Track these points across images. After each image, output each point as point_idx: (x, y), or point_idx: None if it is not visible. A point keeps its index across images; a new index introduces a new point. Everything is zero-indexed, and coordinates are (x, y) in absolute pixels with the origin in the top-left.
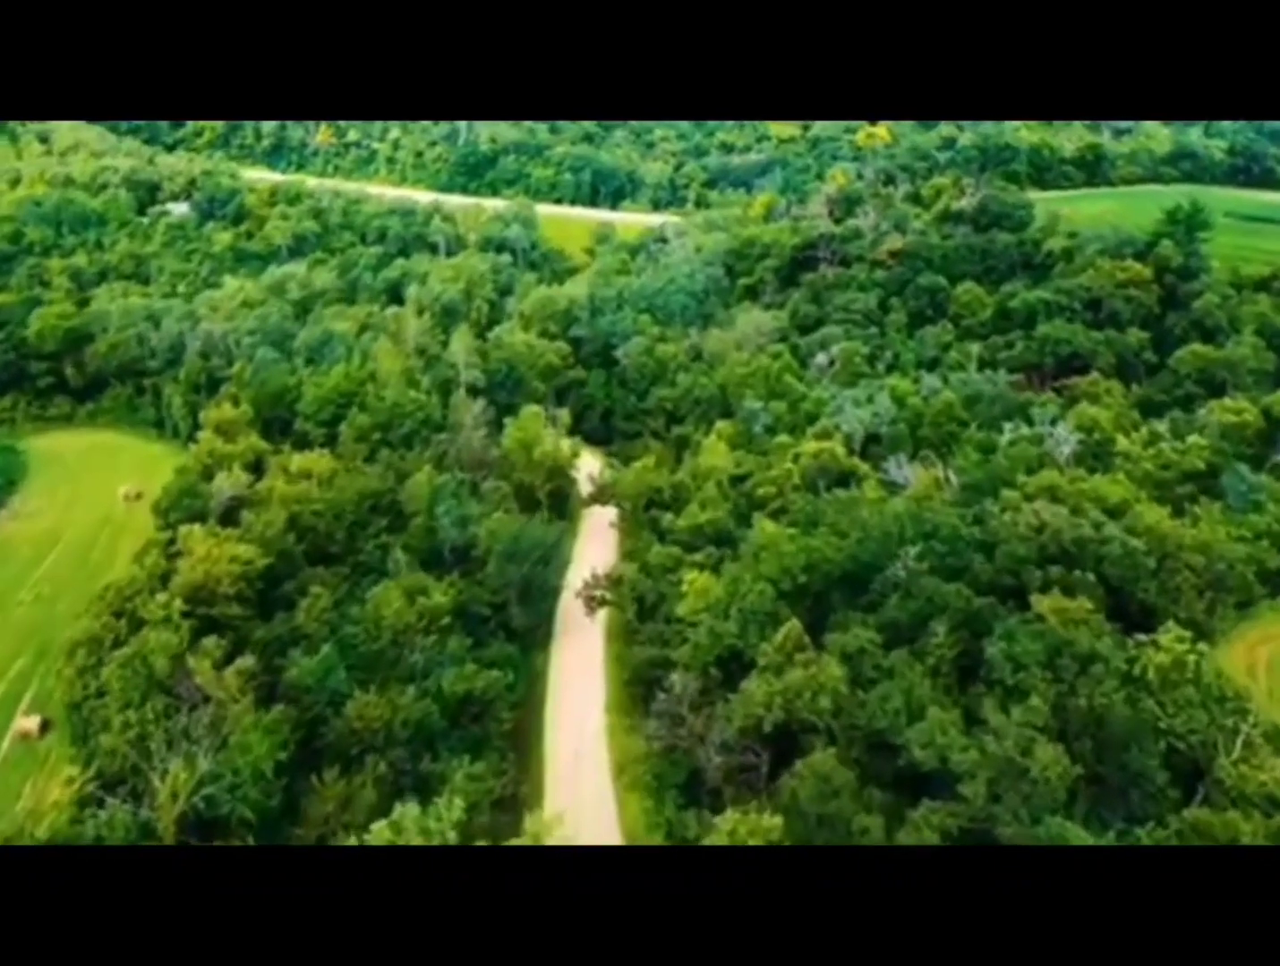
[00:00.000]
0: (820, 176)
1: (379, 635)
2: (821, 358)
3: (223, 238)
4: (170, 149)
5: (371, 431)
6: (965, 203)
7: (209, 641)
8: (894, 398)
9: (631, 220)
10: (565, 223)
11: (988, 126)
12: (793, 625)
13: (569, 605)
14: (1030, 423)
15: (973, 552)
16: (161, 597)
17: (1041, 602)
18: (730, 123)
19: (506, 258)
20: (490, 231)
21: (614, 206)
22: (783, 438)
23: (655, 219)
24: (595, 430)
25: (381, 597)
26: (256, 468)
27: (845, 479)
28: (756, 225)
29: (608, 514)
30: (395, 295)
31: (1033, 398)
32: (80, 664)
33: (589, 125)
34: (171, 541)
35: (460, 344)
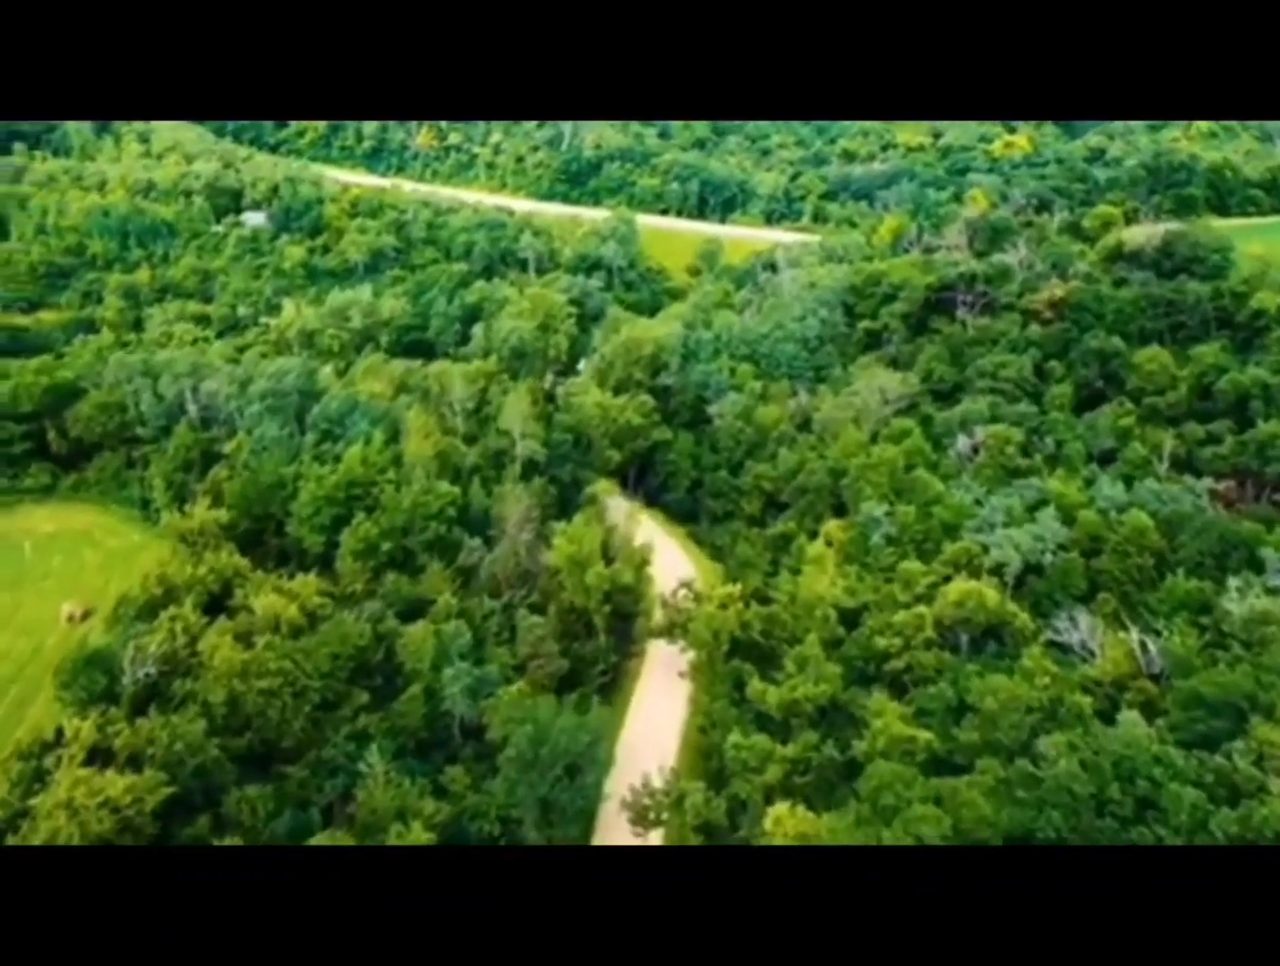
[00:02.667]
0: (952, 192)
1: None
2: (962, 442)
3: (295, 252)
4: (274, 149)
5: (378, 543)
6: (1144, 240)
7: None
8: (1060, 508)
9: (741, 235)
10: (669, 236)
11: (1140, 135)
12: None
13: (610, 815)
14: (1259, 568)
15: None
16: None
17: None
18: (853, 129)
19: (597, 282)
20: (585, 248)
21: (723, 219)
22: (911, 563)
23: (767, 235)
24: (679, 504)
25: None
26: (217, 603)
27: (997, 632)
28: (882, 256)
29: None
30: (470, 322)
31: (1260, 532)
32: None
33: (700, 130)
34: (57, 738)
35: (517, 409)
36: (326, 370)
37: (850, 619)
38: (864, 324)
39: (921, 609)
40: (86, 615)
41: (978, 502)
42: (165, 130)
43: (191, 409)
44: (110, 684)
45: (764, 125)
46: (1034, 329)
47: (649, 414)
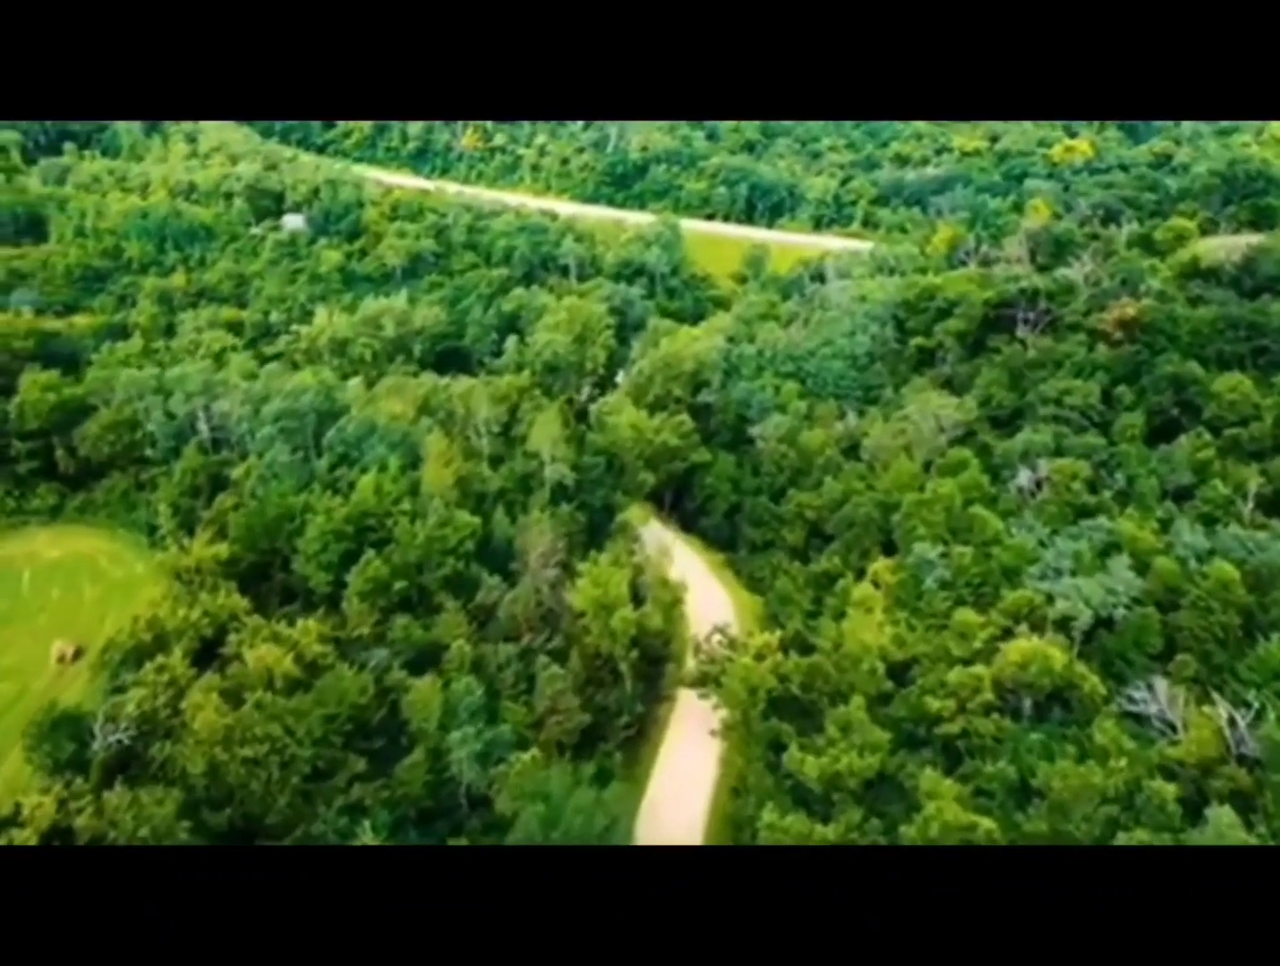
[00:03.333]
0: (1012, 202)
1: None
2: (1024, 476)
3: (332, 257)
4: (320, 150)
5: (389, 582)
6: (1223, 255)
7: None
8: (1133, 554)
9: (789, 241)
10: (715, 242)
11: (1209, 140)
12: None
13: None
14: None
15: None
16: None
17: None
18: (906, 132)
19: (639, 290)
20: (628, 253)
21: (771, 223)
22: (967, 612)
23: (816, 241)
24: (717, 530)
25: None
26: (211, 648)
27: (1063, 697)
28: (937, 267)
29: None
30: (507, 331)
31: None
32: None
33: (749, 132)
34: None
35: (547, 431)
36: (350, 385)
37: (899, 673)
38: (916, 341)
39: (979, 669)
40: (78, 655)
41: (1041, 544)
42: (212, 131)
43: (203, 429)
44: (80, 749)
45: (814, 128)
46: (1102, 351)
47: (687, 434)
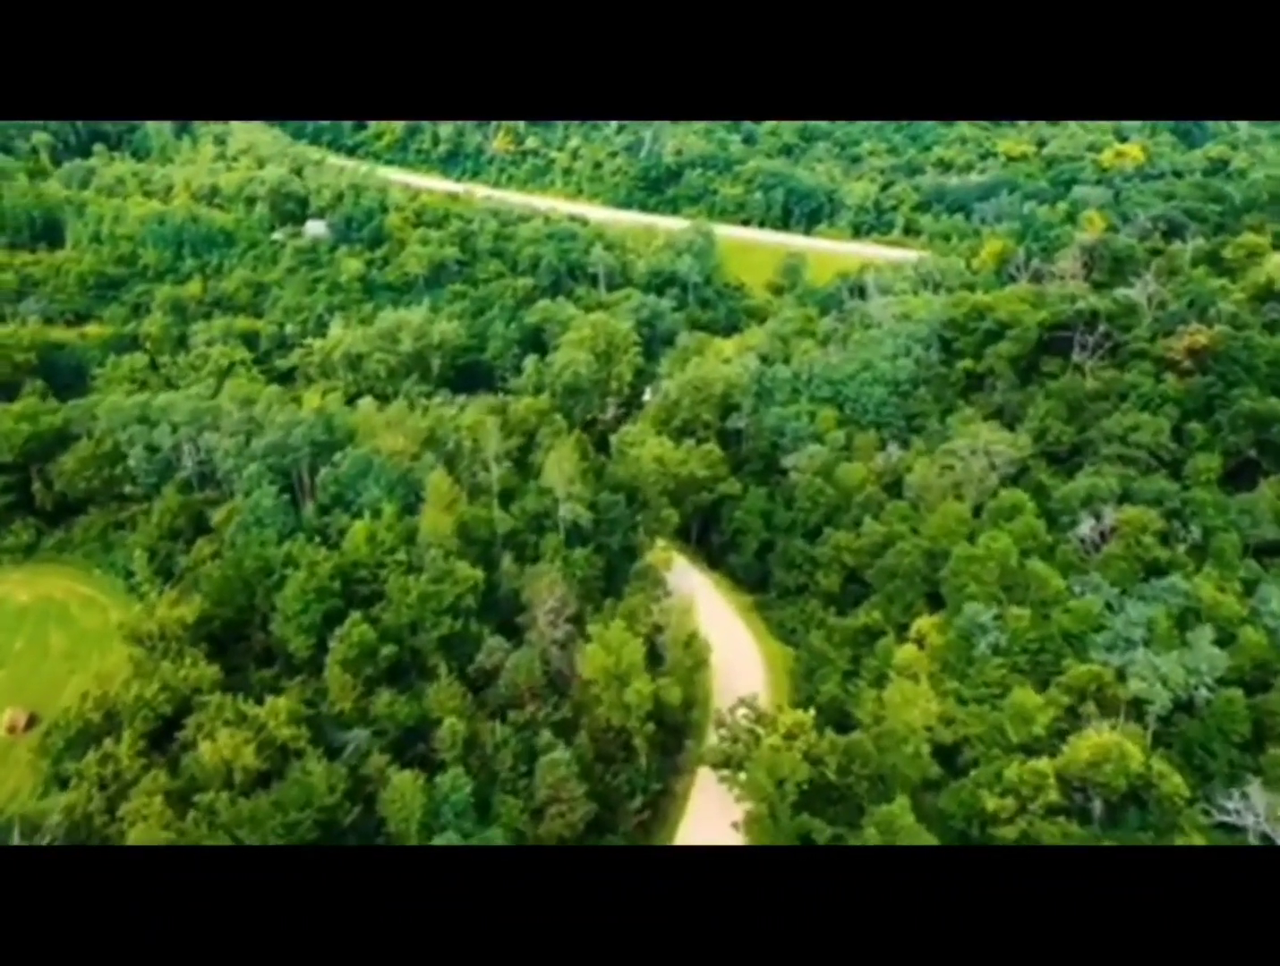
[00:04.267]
0: (1064, 212)
1: None
2: (1086, 526)
3: (352, 265)
4: (351, 151)
5: (376, 648)
6: None
7: None
8: (1213, 621)
9: (827, 249)
10: (750, 249)
11: (1266, 145)
12: None
13: None
14: None
15: None
16: None
17: None
18: (950, 135)
19: (669, 302)
20: (659, 262)
21: (808, 230)
22: (1025, 689)
23: (854, 249)
24: (746, 570)
25: None
26: (171, 727)
27: (1139, 797)
28: (985, 283)
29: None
30: (531, 345)
31: None
32: None
33: (787, 136)
34: None
35: (562, 466)
36: (361, 404)
37: (949, 755)
38: (964, 364)
39: (1042, 763)
40: (31, 723)
41: (1109, 608)
42: (241, 132)
43: (188, 464)
44: None
45: (854, 131)
46: (1170, 382)
47: (715, 464)
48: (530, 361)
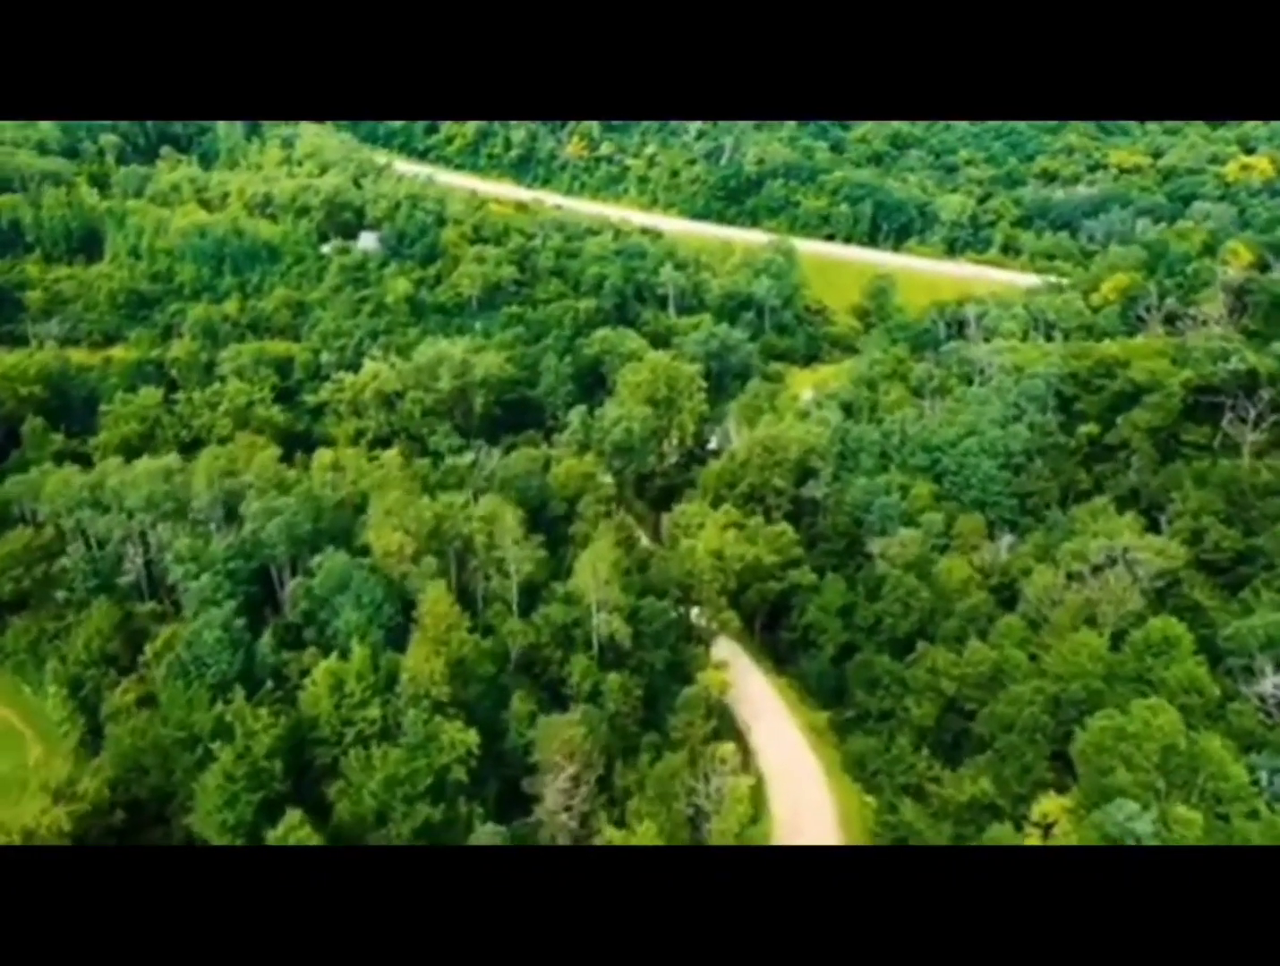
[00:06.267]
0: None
1: None
2: (1269, 682)
3: (400, 285)
4: (423, 156)
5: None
6: None
7: None
8: None
9: (918, 267)
10: (834, 266)
11: None
12: None
13: None
14: None
15: None
16: None
17: None
18: (1055, 145)
19: (742, 333)
20: (735, 283)
21: (897, 247)
22: None
23: (949, 269)
24: (821, 678)
25: None
26: None
27: None
28: (1109, 327)
29: None
30: (586, 381)
31: None
32: None
33: (878, 144)
34: None
35: (595, 571)
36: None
37: None
38: (1086, 429)
39: None
40: None
41: None
42: (310, 135)
43: (136, 563)
44: None
45: (949, 139)
46: None
47: (787, 547)
48: (577, 414)
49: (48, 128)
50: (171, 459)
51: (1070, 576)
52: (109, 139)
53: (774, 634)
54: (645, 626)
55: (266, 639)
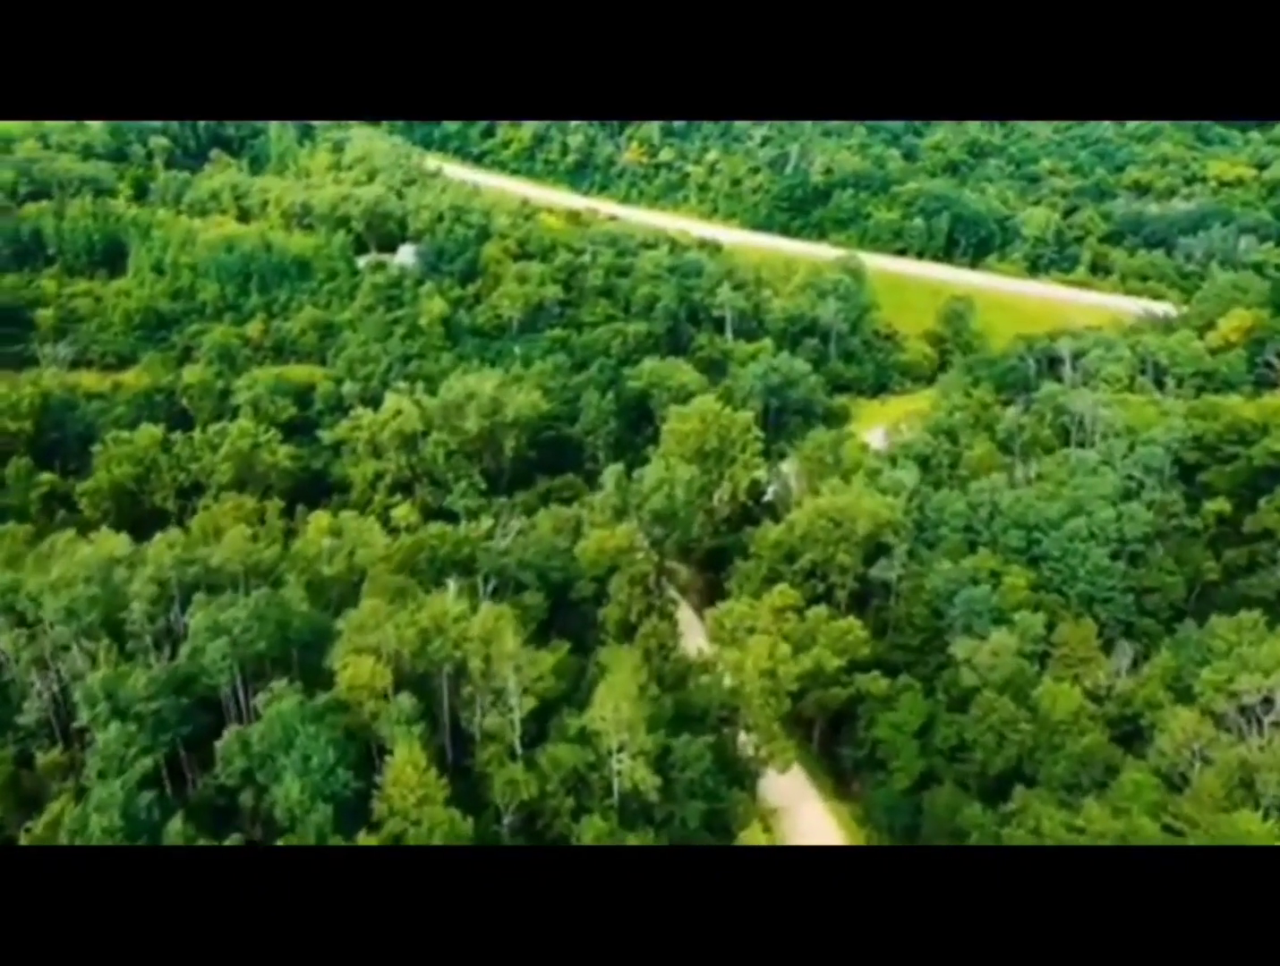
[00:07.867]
0: None
1: None
2: None
3: (436, 306)
4: (478, 160)
5: None
6: None
7: None
8: None
9: (998, 287)
10: (906, 285)
11: None
12: None
13: None
14: None
15: None
16: None
17: None
18: (1148, 155)
19: (803, 365)
20: (798, 306)
21: (975, 263)
22: None
23: (1032, 289)
24: (892, 813)
25: None
26: None
27: None
28: (1233, 372)
29: None
30: (630, 419)
31: None
32: None
33: (953, 152)
34: None
35: (616, 706)
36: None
37: None
38: (1215, 506)
39: None
40: None
41: None
42: (361, 137)
43: (50, 683)
44: None
45: (1031, 147)
46: None
47: (854, 647)
48: (611, 475)
49: (97, 130)
50: (118, 542)
51: (1214, 717)
52: (159, 141)
53: (835, 747)
54: (677, 773)
55: (176, 825)
